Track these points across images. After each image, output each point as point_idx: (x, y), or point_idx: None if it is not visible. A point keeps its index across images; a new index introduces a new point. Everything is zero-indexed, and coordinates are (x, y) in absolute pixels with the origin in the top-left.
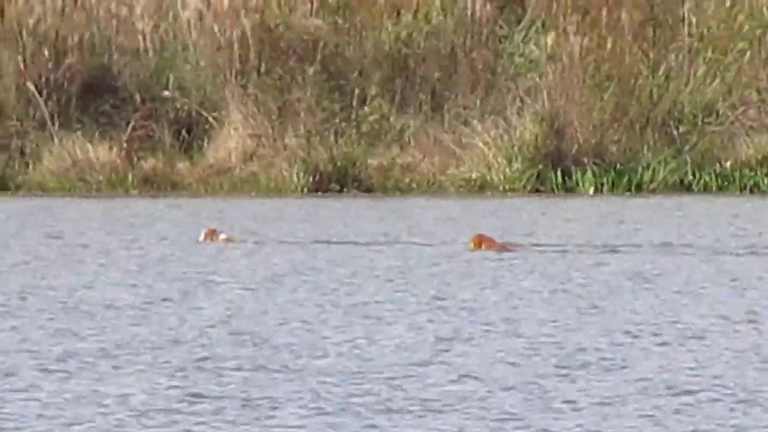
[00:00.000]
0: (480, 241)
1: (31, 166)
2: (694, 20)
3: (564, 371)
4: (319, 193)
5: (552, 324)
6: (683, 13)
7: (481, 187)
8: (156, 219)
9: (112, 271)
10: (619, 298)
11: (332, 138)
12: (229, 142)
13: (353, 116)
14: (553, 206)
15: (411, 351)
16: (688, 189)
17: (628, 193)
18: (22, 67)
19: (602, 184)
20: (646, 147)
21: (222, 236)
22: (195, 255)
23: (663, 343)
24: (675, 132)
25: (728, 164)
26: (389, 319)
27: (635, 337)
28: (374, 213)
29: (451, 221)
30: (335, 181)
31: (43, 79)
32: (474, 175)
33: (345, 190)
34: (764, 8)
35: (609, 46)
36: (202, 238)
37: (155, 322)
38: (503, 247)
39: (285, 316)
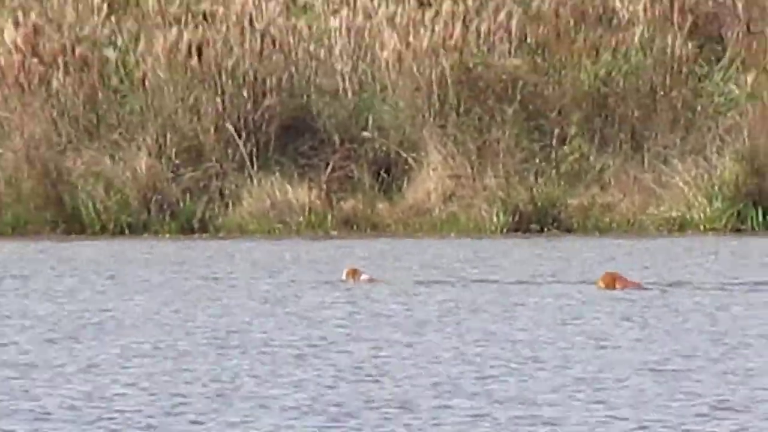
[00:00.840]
0: (612, 281)
1: (230, 208)
2: None
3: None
4: (519, 233)
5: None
6: None
7: (681, 227)
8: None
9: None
10: (657, 336)
11: (532, 178)
12: (428, 182)
13: (553, 156)
14: (739, 246)
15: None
16: None
17: None
18: (220, 108)
19: None
20: None
21: (364, 276)
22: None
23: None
24: None
25: None
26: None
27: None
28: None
29: (622, 259)
30: (535, 221)
31: (242, 121)
32: (674, 214)
33: (545, 230)
34: None
35: None
36: (344, 277)
37: None
38: (638, 286)
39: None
